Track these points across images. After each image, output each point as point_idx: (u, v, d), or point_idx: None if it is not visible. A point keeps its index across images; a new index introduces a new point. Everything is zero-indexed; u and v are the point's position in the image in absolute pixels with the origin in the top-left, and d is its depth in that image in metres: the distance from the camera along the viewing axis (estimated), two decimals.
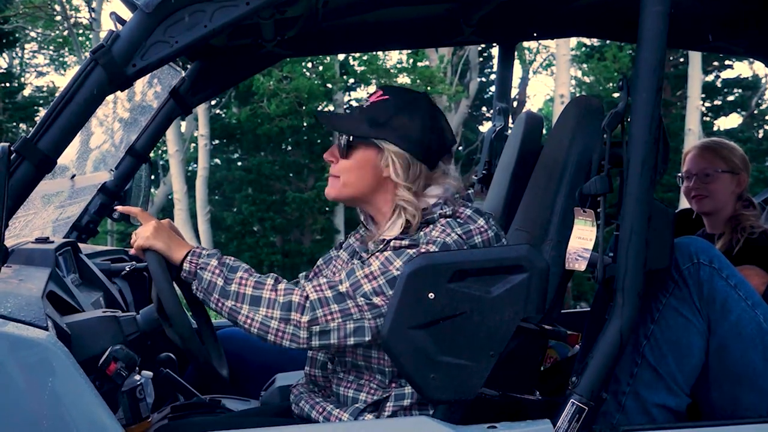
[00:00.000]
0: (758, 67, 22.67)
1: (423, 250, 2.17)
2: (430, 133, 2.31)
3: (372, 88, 24.43)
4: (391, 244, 2.23)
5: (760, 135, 23.73)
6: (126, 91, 2.37)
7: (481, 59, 24.61)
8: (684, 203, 4.08)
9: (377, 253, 2.24)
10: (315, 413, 2.32)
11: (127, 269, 3.44)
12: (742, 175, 3.42)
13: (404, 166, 2.29)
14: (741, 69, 23.34)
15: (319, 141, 24.12)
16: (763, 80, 22.96)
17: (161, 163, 22.11)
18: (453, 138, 2.42)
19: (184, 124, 21.26)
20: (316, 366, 2.41)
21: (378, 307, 2.15)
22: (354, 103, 26.23)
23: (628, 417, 2.40)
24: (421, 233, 2.23)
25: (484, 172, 3.95)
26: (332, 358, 2.37)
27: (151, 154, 3.74)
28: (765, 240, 3.26)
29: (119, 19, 2.22)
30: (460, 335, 2.08)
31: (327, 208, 22.89)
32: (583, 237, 2.26)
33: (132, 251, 2.29)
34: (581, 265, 2.25)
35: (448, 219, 2.26)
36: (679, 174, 3.53)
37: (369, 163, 2.32)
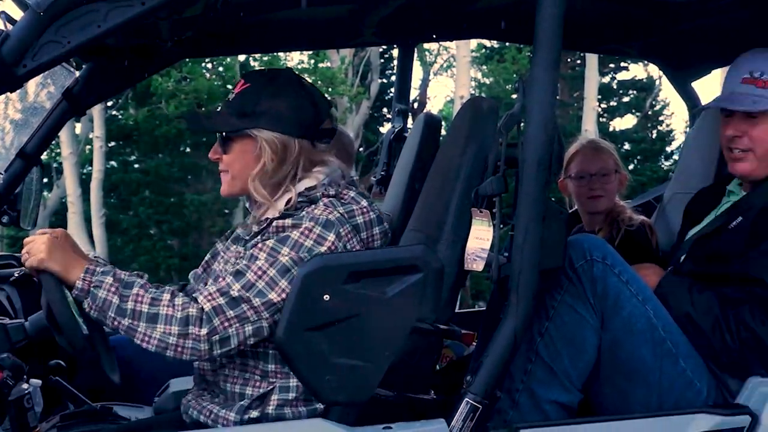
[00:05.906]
0: (653, 69, 23.27)
1: (306, 227, 2.19)
2: (299, 108, 2.34)
3: None
4: (274, 224, 2.25)
5: (654, 135, 24.40)
6: (17, 91, 2.30)
7: (382, 60, 24.69)
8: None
9: (260, 244, 2.23)
10: (203, 417, 2.30)
11: (16, 275, 3.34)
12: (623, 174, 3.56)
13: (281, 149, 2.31)
14: (636, 71, 23.99)
15: None
16: (657, 82, 23.60)
17: (54, 165, 21.52)
18: (327, 103, 2.45)
19: (78, 125, 20.75)
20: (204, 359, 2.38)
21: (275, 304, 2.15)
22: None
23: (522, 414, 2.42)
24: (304, 212, 2.25)
25: (382, 173, 3.96)
26: None
27: (44, 157, 3.64)
28: (643, 231, 3.40)
29: (9, 19, 2.17)
30: (355, 337, 2.08)
31: (226, 210, 22.63)
32: (480, 237, 2.28)
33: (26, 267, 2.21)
34: (479, 266, 2.27)
35: (330, 198, 2.29)
36: (571, 175, 3.56)
37: (248, 153, 2.33)
